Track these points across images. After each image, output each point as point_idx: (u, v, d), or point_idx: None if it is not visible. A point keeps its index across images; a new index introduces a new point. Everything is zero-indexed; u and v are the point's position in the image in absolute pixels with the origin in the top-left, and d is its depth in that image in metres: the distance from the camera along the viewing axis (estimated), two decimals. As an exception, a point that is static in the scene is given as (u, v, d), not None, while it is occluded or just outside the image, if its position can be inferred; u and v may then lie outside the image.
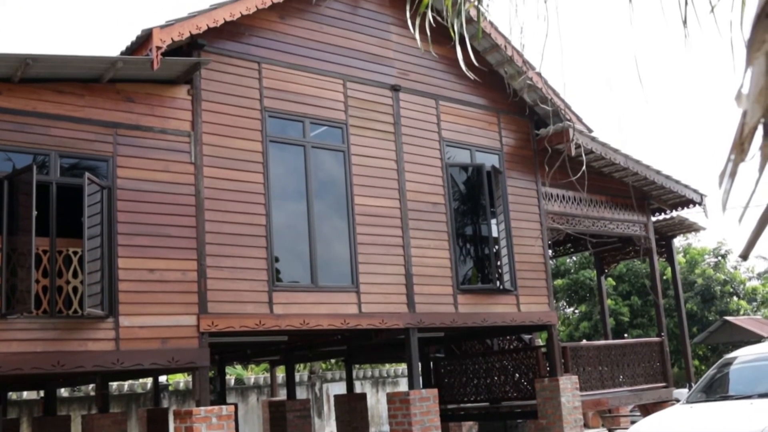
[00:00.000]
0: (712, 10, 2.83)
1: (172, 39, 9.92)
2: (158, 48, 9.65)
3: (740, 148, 1.14)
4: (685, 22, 2.75)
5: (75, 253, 9.55)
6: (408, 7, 4.13)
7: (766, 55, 1.10)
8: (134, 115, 10.10)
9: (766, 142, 1.12)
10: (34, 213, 8.68)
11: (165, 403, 20.57)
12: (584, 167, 12.31)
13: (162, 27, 9.84)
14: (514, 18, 3.86)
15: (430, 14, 3.70)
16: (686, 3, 2.78)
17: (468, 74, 6.40)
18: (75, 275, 9.49)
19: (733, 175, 1.16)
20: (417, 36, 3.89)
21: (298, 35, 12.04)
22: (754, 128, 1.12)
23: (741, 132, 1.14)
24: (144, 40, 9.97)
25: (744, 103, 1.14)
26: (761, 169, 1.13)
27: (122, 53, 10.33)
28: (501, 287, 13.37)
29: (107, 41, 69.60)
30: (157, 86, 10.38)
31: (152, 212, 9.99)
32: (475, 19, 12.31)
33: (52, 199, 9.27)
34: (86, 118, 9.72)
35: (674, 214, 17.82)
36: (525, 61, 13.71)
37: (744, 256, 1.38)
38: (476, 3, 3.62)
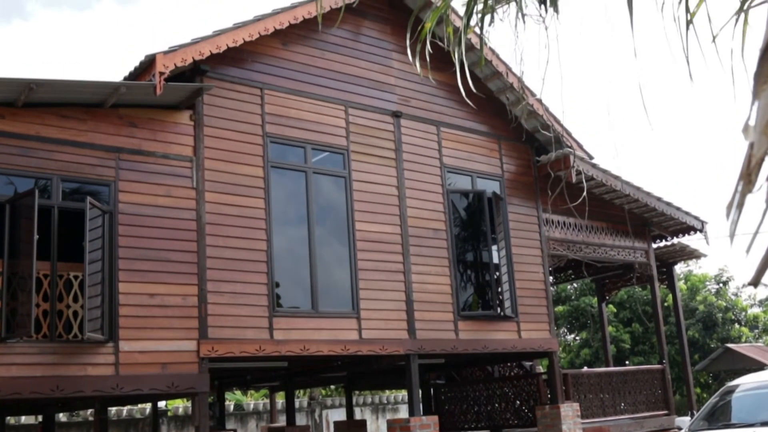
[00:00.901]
0: (714, 40, 2.85)
1: (175, 65, 9.98)
2: (161, 73, 9.71)
3: (747, 179, 1.14)
4: (687, 56, 2.77)
5: (76, 277, 9.54)
6: (408, 35, 4.15)
7: (773, 88, 1.11)
8: (136, 140, 10.14)
9: (773, 173, 1.12)
10: (36, 237, 8.68)
11: (164, 429, 20.43)
12: (585, 194, 12.33)
13: (165, 53, 9.90)
14: (515, 45, 3.88)
15: (430, 41, 3.73)
16: (687, 35, 2.80)
17: (468, 102, 6.43)
18: (75, 299, 9.48)
19: (740, 206, 1.16)
20: (417, 63, 3.92)
21: (301, 61, 12.11)
22: (761, 160, 1.13)
23: (748, 163, 1.15)
24: (147, 65, 10.04)
25: (751, 135, 1.15)
26: (768, 200, 1.14)
27: (125, 78, 10.39)
28: (502, 314, 13.34)
29: (111, 66, 69.97)
30: (159, 111, 10.42)
31: (153, 237, 10.00)
32: (477, 46, 12.41)
33: (53, 223, 9.28)
34: (89, 143, 9.75)
35: (675, 240, 17.80)
36: (526, 88, 13.78)
37: (754, 284, 1.37)
38: (478, 31, 3.64)
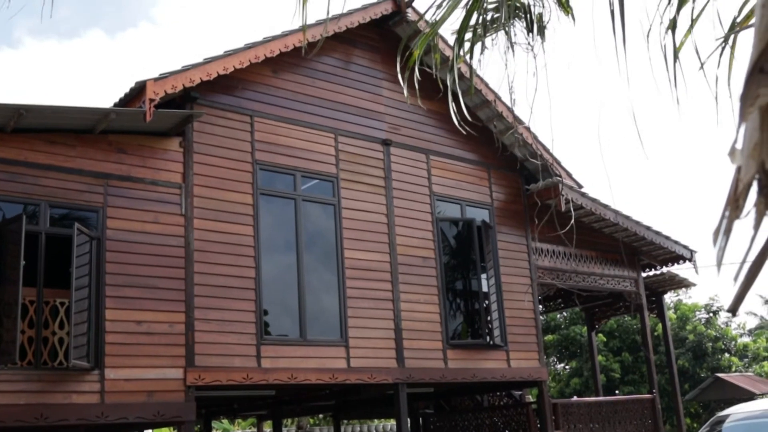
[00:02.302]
0: (702, 68, 2.87)
1: (165, 91, 9.98)
2: (151, 100, 9.71)
3: (735, 204, 1.12)
4: (674, 82, 2.78)
5: (62, 303, 9.45)
6: (398, 60, 4.16)
7: (760, 110, 1.10)
8: (125, 166, 10.11)
9: (761, 198, 1.11)
10: (22, 263, 8.61)
11: (149, 459, 20.19)
12: (573, 222, 12.34)
13: (156, 80, 9.91)
14: (505, 74, 3.89)
15: (418, 69, 3.73)
16: (675, 61, 2.81)
17: (460, 129, 6.45)
18: (61, 326, 9.39)
19: (728, 232, 1.14)
20: (405, 90, 3.92)
21: (291, 89, 12.14)
22: (749, 184, 1.11)
23: (735, 188, 1.13)
24: (137, 92, 10.03)
25: (738, 159, 1.13)
26: (756, 226, 1.12)
27: (115, 105, 10.37)
28: (491, 342, 13.28)
29: (99, 94, 70.11)
30: (149, 138, 10.40)
31: (141, 263, 9.93)
32: (466, 75, 12.48)
33: (40, 249, 9.21)
34: (77, 169, 9.72)
35: (664, 269, 17.81)
36: (515, 117, 13.83)
37: (732, 311, 1.35)
38: (467, 59, 3.66)
